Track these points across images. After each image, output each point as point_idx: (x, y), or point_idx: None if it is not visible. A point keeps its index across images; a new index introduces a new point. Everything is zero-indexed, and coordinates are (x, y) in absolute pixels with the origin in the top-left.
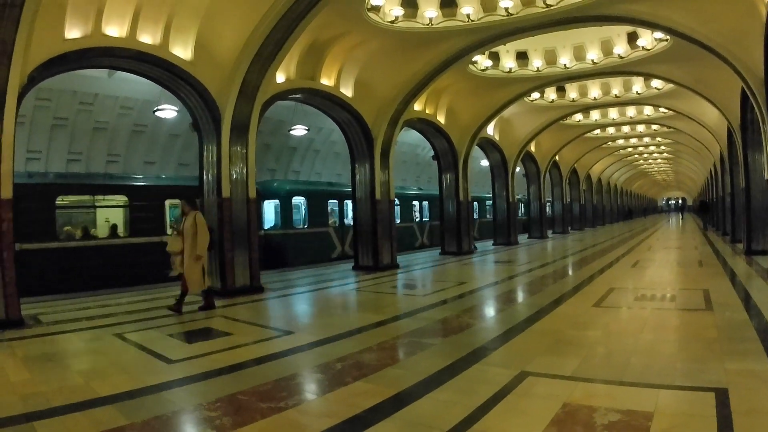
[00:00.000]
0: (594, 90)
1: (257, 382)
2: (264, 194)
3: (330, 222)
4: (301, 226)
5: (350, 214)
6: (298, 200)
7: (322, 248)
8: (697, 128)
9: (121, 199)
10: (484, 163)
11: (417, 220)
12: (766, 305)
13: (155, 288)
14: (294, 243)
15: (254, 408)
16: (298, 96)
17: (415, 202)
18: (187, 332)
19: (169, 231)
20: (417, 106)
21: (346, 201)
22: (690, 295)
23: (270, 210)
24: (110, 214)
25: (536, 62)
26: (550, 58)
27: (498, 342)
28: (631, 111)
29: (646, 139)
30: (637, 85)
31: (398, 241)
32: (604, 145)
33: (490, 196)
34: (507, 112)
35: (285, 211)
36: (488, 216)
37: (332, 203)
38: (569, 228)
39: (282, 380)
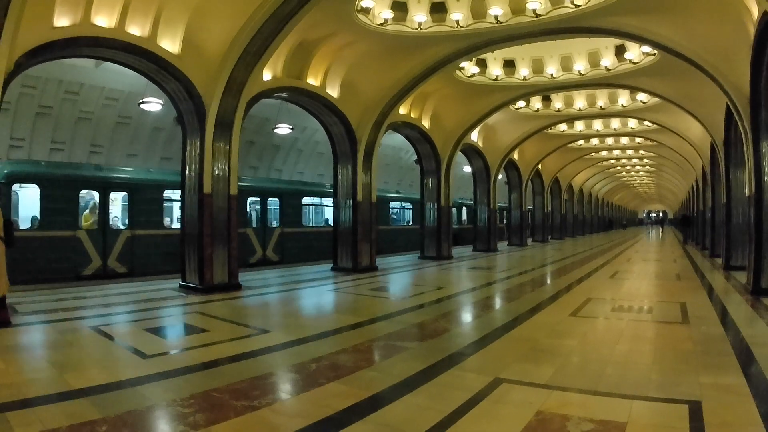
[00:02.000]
0: (579, 101)
1: (232, 379)
2: None
3: (87, 223)
4: (28, 227)
5: (120, 209)
6: (26, 190)
7: (61, 260)
8: (680, 143)
9: None
10: (467, 169)
11: None
12: (742, 320)
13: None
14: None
15: (228, 406)
16: (283, 94)
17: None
18: (163, 327)
19: None
20: (402, 110)
21: (123, 192)
22: (667, 307)
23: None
24: None
25: (523, 71)
26: (537, 67)
27: (474, 348)
28: (615, 123)
29: (630, 152)
30: (623, 98)
31: None
32: (587, 156)
33: (471, 201)
34: (492, 120)
35: None
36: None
37: (88, 194)
38: (549, 237)
39: (257, 379)
